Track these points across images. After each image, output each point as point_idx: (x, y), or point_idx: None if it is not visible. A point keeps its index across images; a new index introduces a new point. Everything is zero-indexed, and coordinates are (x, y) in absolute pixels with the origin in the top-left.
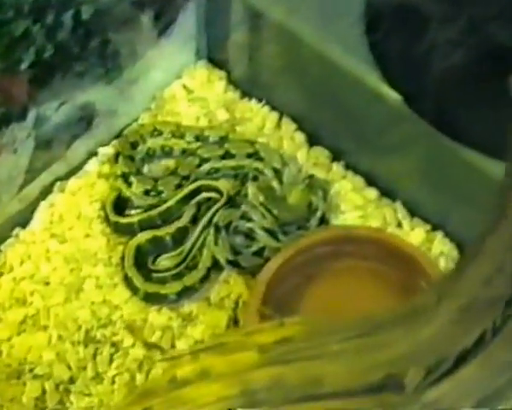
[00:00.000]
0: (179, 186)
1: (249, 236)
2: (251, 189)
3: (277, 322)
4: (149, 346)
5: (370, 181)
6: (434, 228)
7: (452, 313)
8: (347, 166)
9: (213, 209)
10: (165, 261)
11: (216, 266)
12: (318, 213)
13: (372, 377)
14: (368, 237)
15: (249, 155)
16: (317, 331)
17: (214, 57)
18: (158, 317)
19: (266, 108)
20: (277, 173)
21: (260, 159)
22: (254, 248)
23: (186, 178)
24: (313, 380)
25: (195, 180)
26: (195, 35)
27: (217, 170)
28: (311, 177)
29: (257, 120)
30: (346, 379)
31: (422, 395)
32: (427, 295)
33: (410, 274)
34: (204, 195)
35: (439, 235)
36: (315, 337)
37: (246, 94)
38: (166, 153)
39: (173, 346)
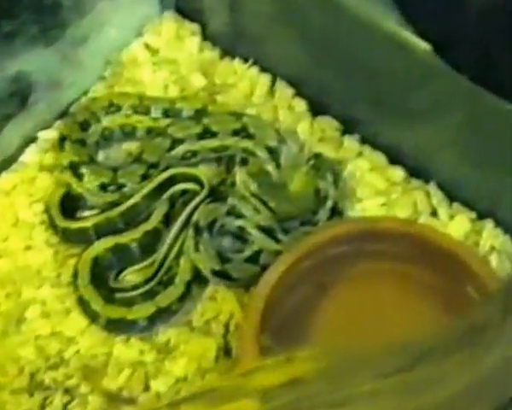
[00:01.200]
0: (146, 177)
1: (240, 237)
2: (239, 175)
3: (283, 357)
4: (111, 397)
5: (394, 158)
6: (481, 216)
7: None
8: (363, 140)
9: (192, 205)
10: (131, 276)
11: (198, 279)
12: (328, 203)
13: None
14: (395, 232)
15: (235, 132)
16: (339, 367)
17: (184, 6)
18: (125, 350)
19: (255, 70)
20: (273, 154)
21: (250, 136)
22: (247, 252)
23: (154, 165)
24: None
25: (167, 168)
26: None
27: (194, 153)
28: (316, 156)
29: (243, 85)
30: None
31: None
32: (489, 309)
33: (454, 278)
34: (179, 187)
35: (488, 224)
36: (336, 375)
37: (227, 52)
38: (127, 134)
39: (147, 388)
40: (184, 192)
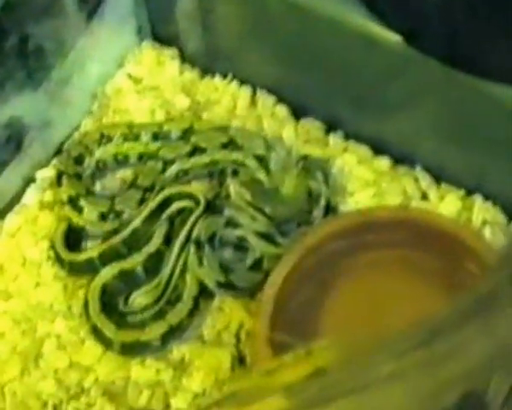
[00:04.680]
0: (142, 201)
1: (241, 246)
2: (233, 187)
3: (302, 351)
4: None
5: (379, 148)
6: (470, 192)
7: None
8: (347, 136)
9: (190, 221)
10: (140, 299)
11: (205, 293)
12: (322, 201)
13: (444, 401)
14: (390, 220)
15: (224, 146)
16: (358, 353)
17: (161, 33)
18: (143, 372)
19: (235, 84)
20: (262, 162)
21: (238, 148)
22: (249, 260)
23: (149, 189)
24: None
25: (162, 189)
26: (133, 10)
27: (186, 172)
28: (304, 158)
29: (225, 100)
30: None
31: None
32: (495, 276)
33: (452, 257)
34: (175, 206)
35: (477, 199)
36: (357, 361)
37: (207, 71)
38: (120, 162)
39: (168, 406)
40: (181, 211)
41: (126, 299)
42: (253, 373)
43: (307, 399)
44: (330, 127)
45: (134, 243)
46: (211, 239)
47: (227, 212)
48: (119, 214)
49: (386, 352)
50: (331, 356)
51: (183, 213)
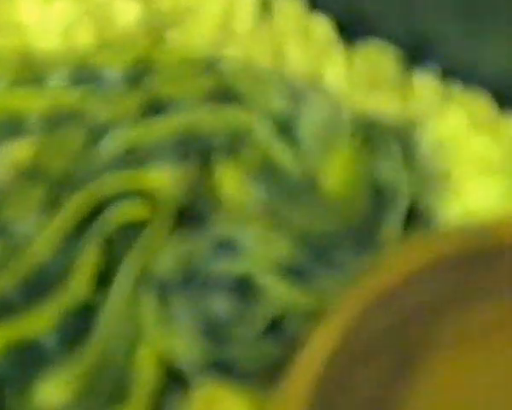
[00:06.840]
0: (49, 205)
1: (243, 291)
2: (227, 174)
3: None
4: None
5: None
6: None
7: None
8: (447, 71)
9: (142, 244)
10: (49, 391)
11: (175, 381)
12: (400, 203)
13: None
14: None
15: (209, 96)
16: None
17: None
18: None
19: None
20: (284, 126)
21: (236, 99)
22: (258, 321)
23: (62, 181)
24: None
25: (86, 181)
26: None
27: (133, 147)
28: (367, 117)
29: (210, 5)
30: None
31: None
32: None
33: None
34: (113, 213)
35: None
36: None
37: None
38: (8, 127)
39: None
40: (127, 224)
41: (23, 391)
42: None
43: None
44: (416, 54)
45: (36, 286)
46: (186, 277)
47: (216, 227)
48: (4, 229)
49: None
50: None
51: (129, 229)
